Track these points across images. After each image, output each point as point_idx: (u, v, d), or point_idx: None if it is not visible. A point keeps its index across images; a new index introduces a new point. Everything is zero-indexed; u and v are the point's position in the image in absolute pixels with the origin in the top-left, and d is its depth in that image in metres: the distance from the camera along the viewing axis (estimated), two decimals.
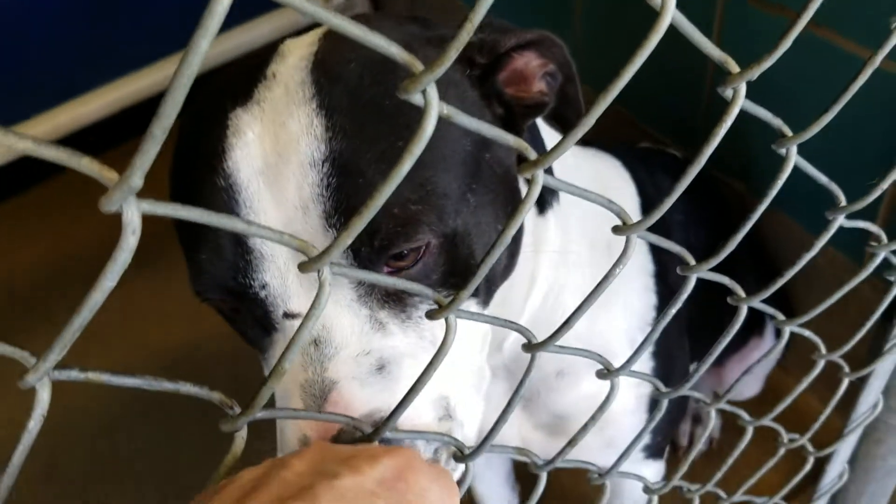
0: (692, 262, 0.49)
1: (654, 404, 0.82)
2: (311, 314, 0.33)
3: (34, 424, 0.29)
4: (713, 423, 1.50)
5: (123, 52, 1.89)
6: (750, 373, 1.32)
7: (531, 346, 0.46)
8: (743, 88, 0.38)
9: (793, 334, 0.64)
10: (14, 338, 0.27)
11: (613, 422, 0.82)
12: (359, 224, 0.32)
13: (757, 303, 0.56)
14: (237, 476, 0.36)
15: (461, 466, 0.51)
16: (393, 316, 0.53)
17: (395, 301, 0.53)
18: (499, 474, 1.20)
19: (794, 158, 0.44)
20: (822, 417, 0.75)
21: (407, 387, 0.44)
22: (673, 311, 0.50)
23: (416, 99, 0.30)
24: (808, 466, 0.85)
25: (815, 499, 0.95)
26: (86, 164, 0.24)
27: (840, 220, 0.52)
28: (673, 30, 0.33)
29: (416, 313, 0.53)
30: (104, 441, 1.46)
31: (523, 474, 1.23)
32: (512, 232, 0.39)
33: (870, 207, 0.99)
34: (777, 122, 0.43)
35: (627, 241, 0.43)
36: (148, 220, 0.25)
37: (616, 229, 0.44)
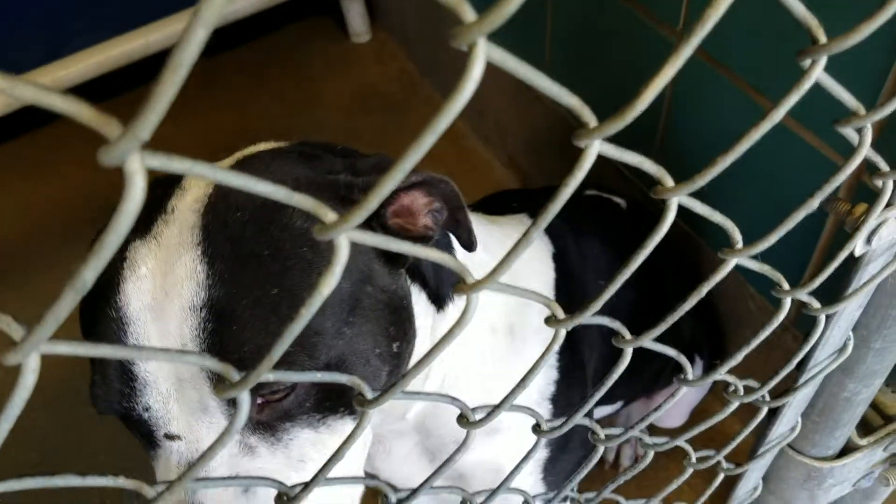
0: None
1: (549, 467, 0.86)
2: (229, 430, 0.39)
3: None
4: (648, 457, 1.56)
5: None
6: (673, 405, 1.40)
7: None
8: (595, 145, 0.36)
9: (726, 383, 0.64)
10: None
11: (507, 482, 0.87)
12: (265, 366, 0.36)
13: (647, 342, 0.53)
14: None
15: None
16: (263, 440, 0.57)
17: (266, 427, 0.57)
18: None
19: (673, 210, 0.42)
20: (702, 499, 0.83)
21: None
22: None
23: (329, 241, 0.31)
24: None
25: None
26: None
27: (734, 262, 0.50)
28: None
29: (286, 436, 0.58)
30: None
31: None
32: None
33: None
34: (661, 171, 0.40)
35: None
36: None
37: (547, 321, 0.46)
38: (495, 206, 1.02)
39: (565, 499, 1.00)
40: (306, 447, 0.58)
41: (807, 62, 0.38)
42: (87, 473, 0.39)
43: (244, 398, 0.36)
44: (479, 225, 0.85)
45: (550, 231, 0.94)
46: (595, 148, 0.35)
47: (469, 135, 1.96)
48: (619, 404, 1.23)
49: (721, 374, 0.60)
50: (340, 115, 2.07)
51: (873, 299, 0.65)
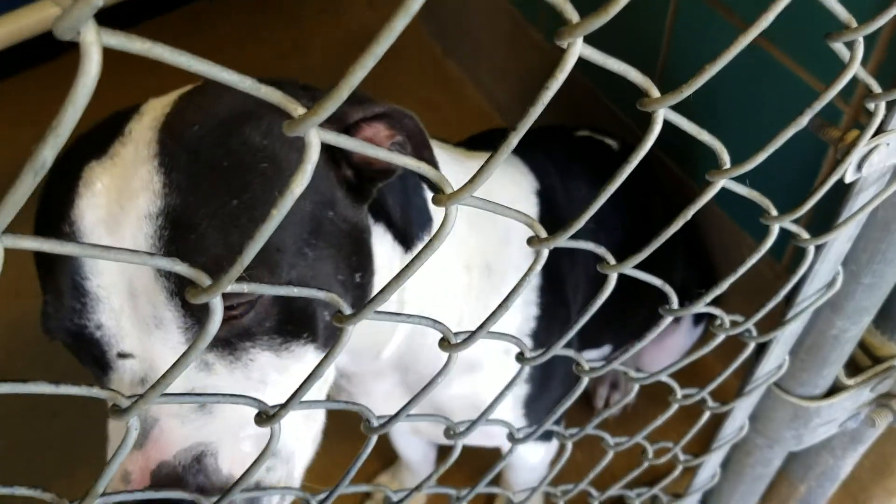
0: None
1: (530, 403, 0.87)
2: (201, 338, 0.39)
3: None
4: (632, 392, 1.59)
5: None
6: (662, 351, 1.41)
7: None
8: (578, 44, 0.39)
9: (712, 317, 0.65)
10: None
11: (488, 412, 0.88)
12: (236, 269, 0.35)
13: (628, 270, 0.54)
14: None
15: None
16: (220, 358, 0.56)
17: (224, 345, 0.56)
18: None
19: (659, 123, 0.41)
20: (683, 441, 0.84)
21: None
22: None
23: (299, 138, 0.31)
24: (679, 469, 0.94)
25: (688, 494, 1.04)
26: None
27: (722, 183, 0.48)
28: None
29: (246, 356, 0.57)
30: None
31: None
32: None
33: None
34: (647, 82, 0.39)
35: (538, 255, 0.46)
36: None
37: (530, 241, 0.45)
38: (482, 144, 1.01)
39: (550, 435, 1.01)
40: (267, 370, 0.58)
41: None
42: (59, 382, 0.39)
43: (217, 303, 0.36)
44: (457, 162, 0.84)
45: (536, 168, 0.93)
46: (577, 47, 0.35)
47: (466, 82, 1.93)
48: (607, 348, 1.24)
49: (705, 303, 0.60)
50: (332, 61, 2.03)
51: (863, 233, 0.64)
